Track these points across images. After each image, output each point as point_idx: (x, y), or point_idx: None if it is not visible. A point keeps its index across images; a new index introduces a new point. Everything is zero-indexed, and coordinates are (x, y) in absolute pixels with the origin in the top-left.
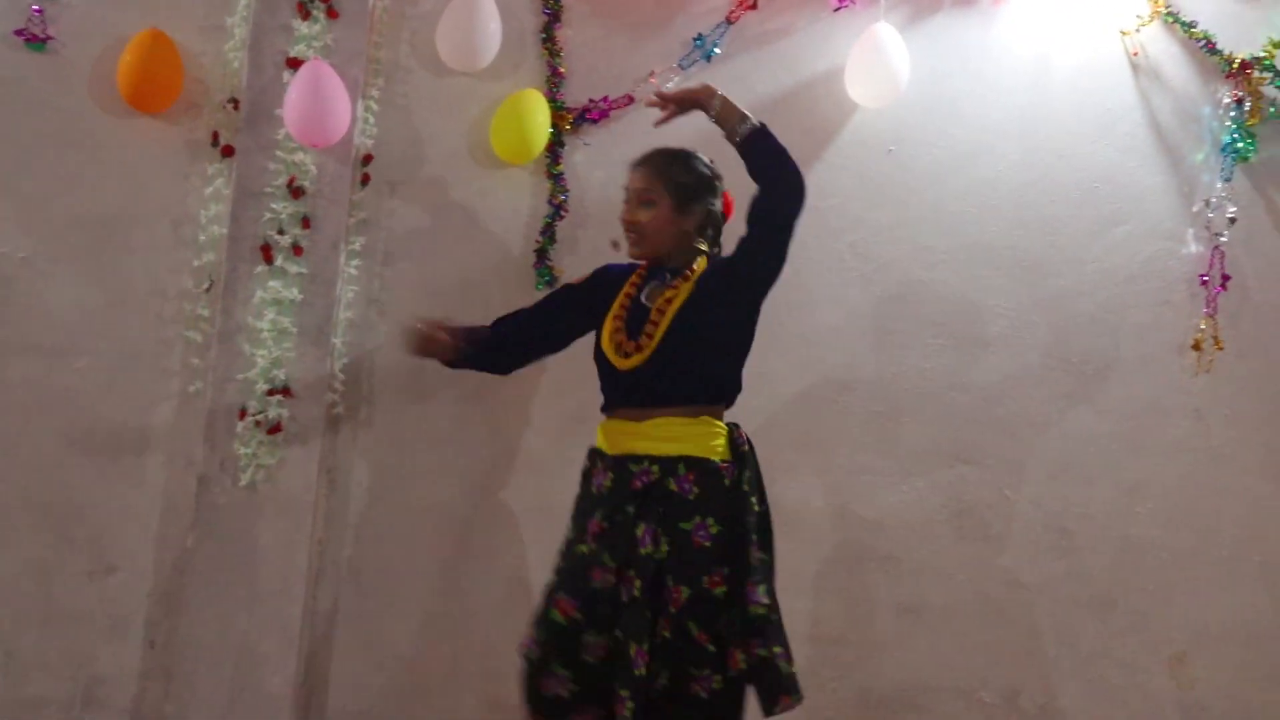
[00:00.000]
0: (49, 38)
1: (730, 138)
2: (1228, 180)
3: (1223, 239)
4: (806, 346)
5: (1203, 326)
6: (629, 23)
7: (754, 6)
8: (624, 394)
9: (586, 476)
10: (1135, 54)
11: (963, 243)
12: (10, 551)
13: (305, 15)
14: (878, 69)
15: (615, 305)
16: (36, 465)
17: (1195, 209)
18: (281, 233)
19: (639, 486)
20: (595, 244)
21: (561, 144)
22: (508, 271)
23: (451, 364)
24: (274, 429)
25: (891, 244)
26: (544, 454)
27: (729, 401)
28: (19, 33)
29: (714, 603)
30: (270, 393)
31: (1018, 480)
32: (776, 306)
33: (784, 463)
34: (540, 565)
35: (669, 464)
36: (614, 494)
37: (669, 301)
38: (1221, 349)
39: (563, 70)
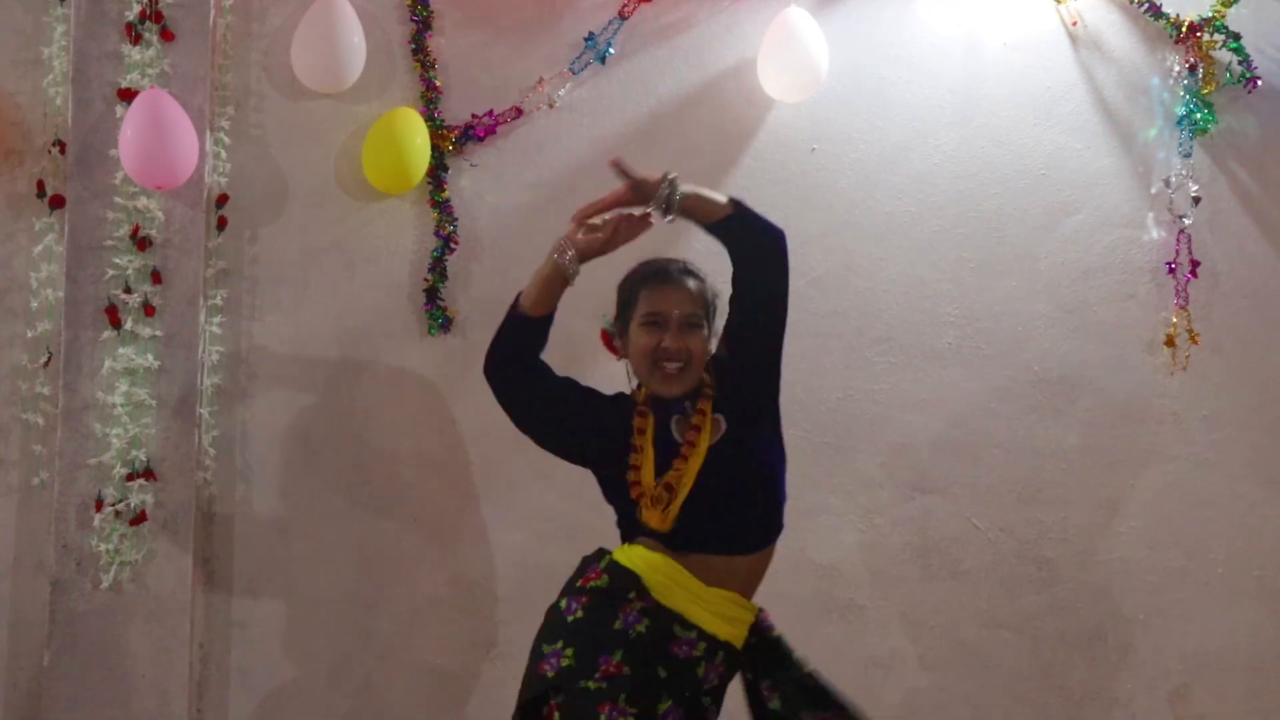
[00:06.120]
0: None
1: (704, 222)
2: (1187, 156)
3: (1187, 221)
4: None
5: (1174, 320)
6: (509, 26)
7: None
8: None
9: (607, 599)
10: (1074, 23)
11: (901, 246)
12: None
13: (136, 39)
14: (793, 59)
15: (644, 459)
16: None
17: (1154, 191)
18: (128, 291)
19: (678, 655)
20: (491, 278)
21: (445, 167)
22: (395, 318)
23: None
24: (137, 519)
25: (822, 254)
26: (455, 524)
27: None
28: None
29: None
30: (130, 477)
31: (986, 507)
32: None
33: None
34: (461, 652)
35: (713, 647)
36: (646, 646)
37: (697, 432)
38: (1197, 343)
39: (439, 84)
